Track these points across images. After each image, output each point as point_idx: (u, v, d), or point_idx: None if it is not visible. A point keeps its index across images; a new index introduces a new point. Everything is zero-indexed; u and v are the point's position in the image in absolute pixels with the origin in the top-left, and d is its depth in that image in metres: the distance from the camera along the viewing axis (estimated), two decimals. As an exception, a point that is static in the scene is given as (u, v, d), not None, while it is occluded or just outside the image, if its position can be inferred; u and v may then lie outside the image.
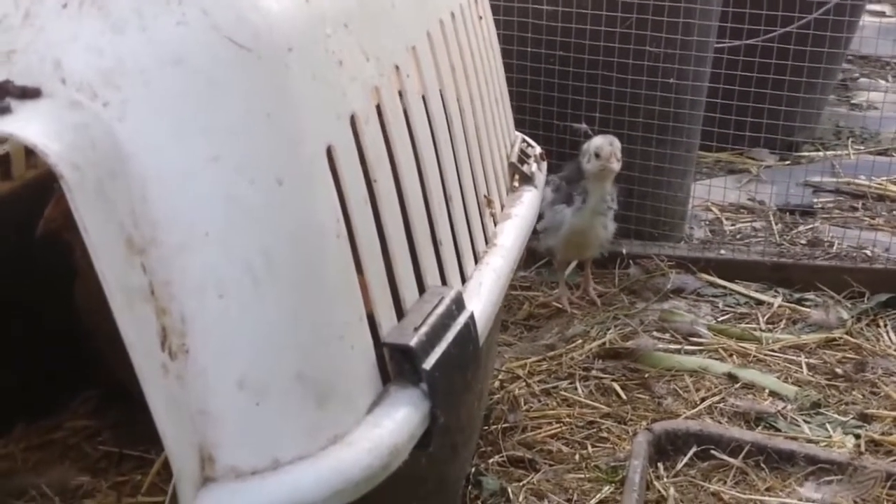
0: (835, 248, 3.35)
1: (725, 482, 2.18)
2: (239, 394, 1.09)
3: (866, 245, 3.34)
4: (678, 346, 2.79)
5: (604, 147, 2.79)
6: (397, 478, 1.19)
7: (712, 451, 2.24)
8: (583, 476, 2.23)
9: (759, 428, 2.40)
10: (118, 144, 1.05)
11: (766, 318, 2.96)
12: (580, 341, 2.81)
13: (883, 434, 2.36)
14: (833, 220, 3.67)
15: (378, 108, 1.38)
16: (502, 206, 2.04)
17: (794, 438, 2.33)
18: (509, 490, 2.16)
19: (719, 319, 2.96)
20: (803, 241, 3.46)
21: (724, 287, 3.13)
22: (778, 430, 2.39)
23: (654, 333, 2.85)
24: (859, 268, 3.12)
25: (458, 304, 1.42)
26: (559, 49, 3.17)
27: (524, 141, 2.36)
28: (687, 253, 3.26)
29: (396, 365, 1.27)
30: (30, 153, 2.20)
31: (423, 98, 1.59)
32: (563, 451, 2.33)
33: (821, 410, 2.48)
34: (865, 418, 2.44)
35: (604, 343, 2.78)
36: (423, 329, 1.30)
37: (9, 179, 2.21)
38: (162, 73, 1.07)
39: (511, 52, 3.02)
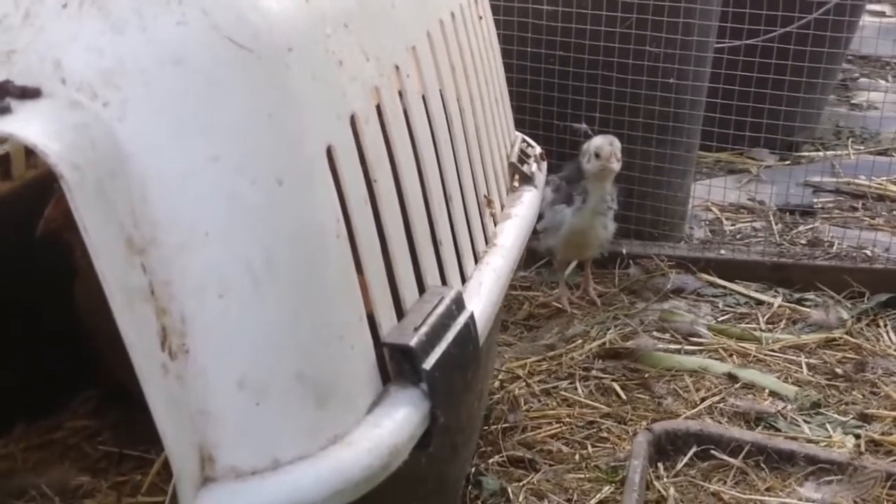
0: (835, 248, 3.35)
1: (725, 482, 2.18)
2: (239, 394, 1.09)
3: (866, 245, 3.34)
4: (678, 346, 2.79)
5: (604, 147, 2.79)
6: (397, 478, 1.19)
7: (712, 451, 2.24)
8: (583, 476, 2.23)
9: (759, 428, 2.40)
10: (118, 144, 1.05)
11: (766, 318, 2.96)
12: (580, 341, 2.81)
13: (883, 434, 2.36)
14: (833, 220, 3.67)
15: (378, 108, 1.38)
16: (502, 206, 2.04)
17: (794, 438, 2.33)
18: (509, 490, 2.16)
19: (719, 319, 2.96)
20: (803, 241, 3.46)
21: (724, 287, 3.13)
22: (778, 430, 2.39)
23: (654, 333, 2.85)
24: (859, 268, 3.12)
25: (458, 304, 1.42)
26: (559, 49, 3.17)
27: (524, 141, 2.36)
28: (687, 253, 3.26)
29: (396, 365, 1.27)
30: (30, 153, 2.20)
31: (423, 98, 1.59)
32: (563, 451, 2.33)
33: (821, 410, 2.48)
34: (865, 418, 2.44)
35: (604, 343, 2.78)
36: (423, 329, 1.30)
37: (9, 179, 2.21)
38: (162, 73, 1.07)
39: (511, 52, 3.02)
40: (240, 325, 1.09)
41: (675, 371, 2.66)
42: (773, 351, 2.77)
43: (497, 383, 2.58)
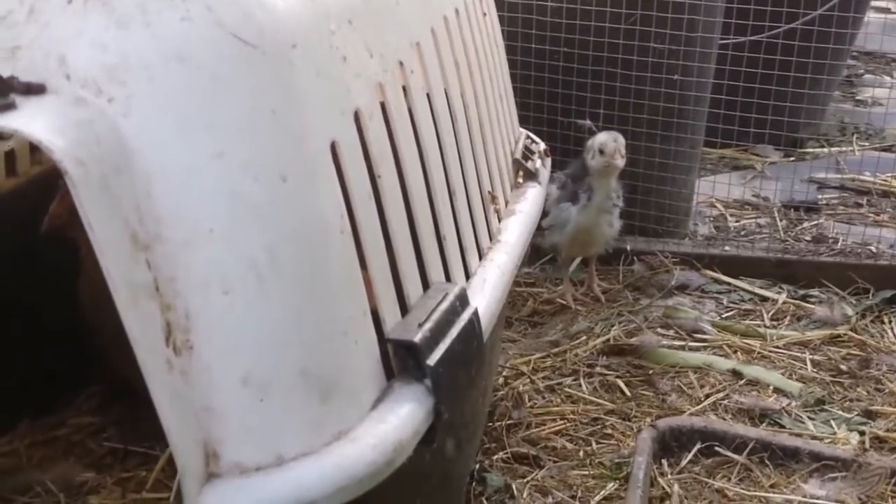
0: (839, 244, 3.34)
1: (730, 479, 2.17)
2: (243, 390, 1.09)
3: (871, 241, 3.33)
4: (682, 343, 2.79)
5: (608, 143, 2.79)
6: (401, 474, 1.19)
7: (716, 448, 2.24)
8: (587, 472, 2.23)
9: (764, 424, 2.40)
10: (123, 140, 1.05)
11: (770, 314, 2.95)
12: (584, 338, 2.80)
13: (887, 431, 2.36)
14: (837, 217, 3.67)
15: (382, 104, 1.38)
16: (506, 203, 2.04)
17: (799, 435, 2.33)
18: (513, 486, 2.16)
19: (724, 316, 2.96)
20: (808, 238, 3.45)
21: (729, 283, 3.13)
22: (782, 426, 2.39)
23: (659, 330, 2.84)
24: (864, 264, 3.11)
25: (462, 300, 1.42)
26: (563, 45, 3.17)
27: (528, 137, 2.35)
28: (691, 249, 3.26)
29: (400, 361, 1.27)
30: (34, 149, 2.20)
31: (427, 94, 1.59)
32: (567, 447, 2.33)
33: (825, 407, 2.48)
34: (870, 415, 2.44)
35: (608, 340, 2.78)
36: (427, 325, 1.30)
37: (14, 176, 2.21)
38: (166, 69, 1.07)
39: (515, 49, 3.02)
40: (244, 322, 1.09)
41: (680, 367, 2.65)
42: (777, 347, 2.76)
43: (501, 380, 2.58)
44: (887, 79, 5.63)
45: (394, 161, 1.39)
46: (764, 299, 3.05)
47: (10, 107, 1.02)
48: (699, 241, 3.39)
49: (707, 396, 2.52)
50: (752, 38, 3.66)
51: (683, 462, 2.23)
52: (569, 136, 3.18)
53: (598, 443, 2.35)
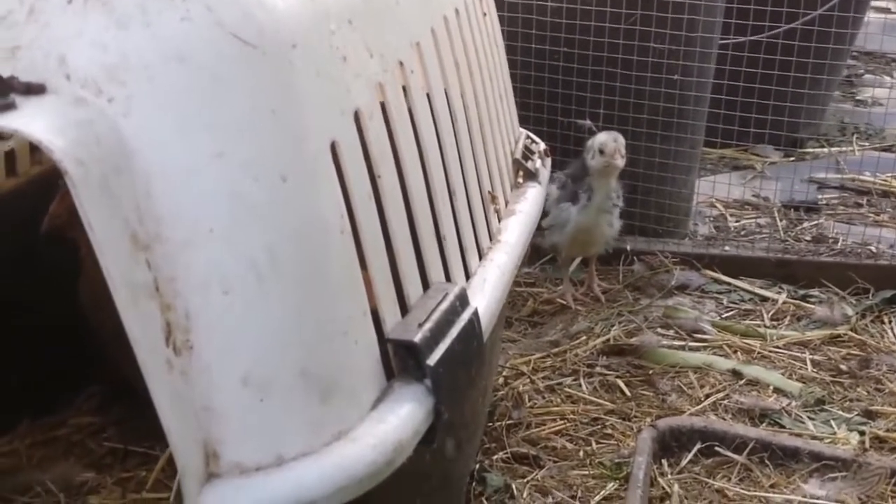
0: (839, 244, 3.34)
1: (730, 479, 2.17)
2: (243, 390, 1.09)
3: (871, 241, 3.33)
4: (682, 343, 2.79)
5: (608, 143, 2.79)
6: (401, 474, 1.19)
7: (716, 448, 2.24)
8: (587, 472, 2.23)
9: (764, 424, 2.40)
10: (123, 140, 1.05)
11: (770, 314, 2.95)
12: (584, 338, 2.80)
13: (887, 431, 2.36)
14: (838, 217, 3.67)
15: (382, 104, 1.38)
16: (506, 203, 2.04)
17: (799, 435, 2.33)
18: (513, 486, 2.16)
19: (724, 316, 2.96)
20: (808, 238, 3.45)
21: (729, 283, 3.13)
22: (782, 426, 2.39)
23: (659, 330, 2.84)
24: (864, 264, 3.12)
25: (462, 300, 1.42)
26: (563, 45, 3.17)
27: (528, 137, 2.35)
28: (691, 249, 3.26)
29: (400, 361, 1.27)
30: (35, 149, 2.20)
31: (427, 94, 1.59)
32: (567, 447, 2.33)
33: (825, 407, 2.48)
34: (870, 415, 2.44)
35: (608, 340, 2.78)
36: (427, 325, 1.30)
37: (13, 176, 2.21)
38: (166, 69, 1.07)
39: (515, 49, 3.02)
40: (244, 322, 1.09)
41: (680, 367, 2.65)
42: (777, 347, 2.76)
43: (501, 380, 2.58)
44: (887, 79, 5.63)
45: (394, 161, 1.39)
46: (764, 299, 3.05)
47: (10, 107, 1.02)
48: (699, 241, 3.39)
49: (707, 396, 2.52)
50: (752, 38, 3.66)
51: (683, 462, 2.23)
52: (569, 136, 3.17)
53: (598, 443, 2.35)
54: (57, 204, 2.01)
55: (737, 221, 3.63)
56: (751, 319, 2.93)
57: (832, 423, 2.41)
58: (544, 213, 2.48)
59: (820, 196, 3.88)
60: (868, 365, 2.66)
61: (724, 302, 3.04)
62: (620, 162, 2.80)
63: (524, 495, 2.14)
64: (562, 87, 3.21)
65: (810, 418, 2.42)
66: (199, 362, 1.07)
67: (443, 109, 1.64)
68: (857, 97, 5.28)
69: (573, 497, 2.15)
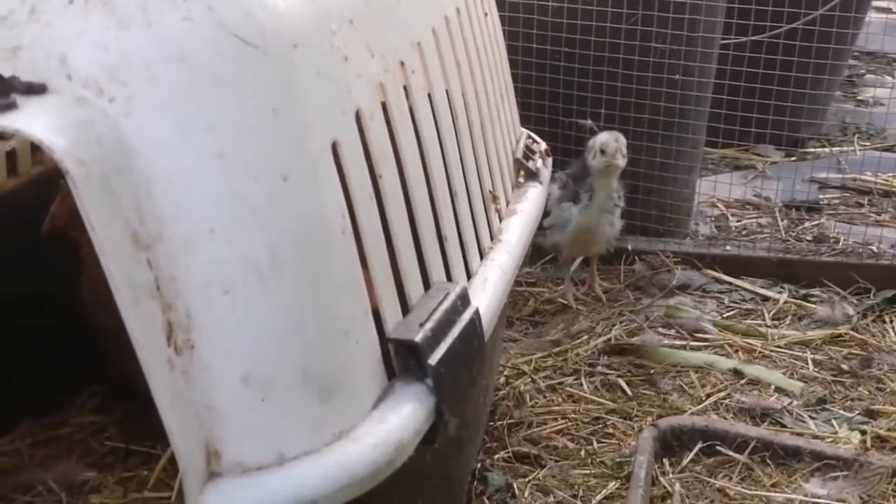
0: (840, 244, 3.34)
1: (731, 478, 2.17)
2: (244, 389, 1.09)
3: (872, 241, 3.33)
4: (684, 342, 2.79)
5: (609, 143, 2.79)
6: (402, 474, 1.19)
7: (718, 447, 2.24)
8: (588, 472, 2.23)
9: (765, 424, 2.40)
10: (124, 140, 1.05)
11: (771, 314, 2.95)
12: (585, 337, 2.80)
13: (889, 430, 2.36)
14: (839, 217, 3.67)
15: (383, 104, 1.38)
16: (507, 202, 2.04)
17: (800, 434, 2.33)
18: (515, 486, 2.16)
19: (725, 315, 2.96)
20: (809, 238, 3.45)
21: (730, 283, 3.13)
22: (784, 426, 2.39)
23: (660, 329, 2.84)
24: (865, 264, 3.11)
25: (464, 299, 1.42)
26: (564, 45, 3.17)
27: (529, 137, 2.35)
28: (692, 249, 3.26)
29: (402, 360, 1.27)
30: (36, 149, 2.21)
31: (429, 94, 1.59)
32: (568, 446, 2.33)
33: (826, 406, 2.48)
34: (871, 414, 2.44)
35: (609, 339, 2.78)
36: (429, 325, 1.30)
37: (15, 176, 2.21)
38: (167, 69, 1.07)
39: (516, 48, 3.02)
40: (245, 321, 1.09)
41: (681, 367, 2.65)
42: (778, 347, 2.76)
43: (502, 379, 2.58)
44: (888, 79, 5.63)
45: (395, 161, 1.39)
46: (765, 299, 3.05)
47: (11, 107, 1.02)
48: (700, 241, 3.39)
49: (708, 396, 2.52)
50: (753, 38, 3.66)
51: (685, 461, 2.23)
52: (570, 136, 3.18)
53: (599, 442, 2.35)
54: (58, 204, 2.01)
55: (738, 221, 3.63)
56: (752, 319, 2.93)
57: (833, 422, 2.40)
58: (546, 213, 2.48)
59: (821, 196, 3.88)
60: (869, 364, 2.66)
61: (726, 301, 3.04)
62: (622, 162, 2.80)
63: (525, 494, 2.14)
64: (563, 87, 3.21)
65: (812, 418, 2.42)
66: (201, 362, 1.07)
67: (444, 109, 1.64)
68: (859, 97, 5.28)
69: (574, 496, 2.15)
